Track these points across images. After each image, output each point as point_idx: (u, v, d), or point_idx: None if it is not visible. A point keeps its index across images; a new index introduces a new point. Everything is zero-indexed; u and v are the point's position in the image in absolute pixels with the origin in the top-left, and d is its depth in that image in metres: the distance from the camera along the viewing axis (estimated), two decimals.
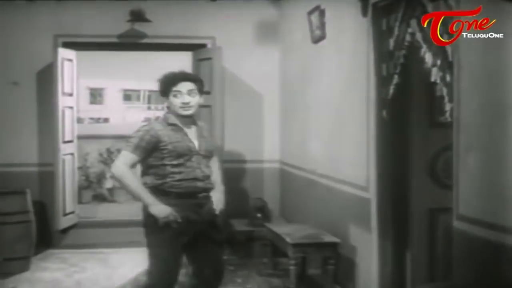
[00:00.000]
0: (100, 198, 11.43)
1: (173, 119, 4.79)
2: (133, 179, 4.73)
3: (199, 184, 4.75)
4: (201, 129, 4.92)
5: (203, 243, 4.85)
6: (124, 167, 4.70)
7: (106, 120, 26.29)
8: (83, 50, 9.28)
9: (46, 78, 8.75)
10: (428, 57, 4.57)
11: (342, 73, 6.74)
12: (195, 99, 4.78)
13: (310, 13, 7.44)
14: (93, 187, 11.57)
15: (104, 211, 10.49)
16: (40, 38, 8.87)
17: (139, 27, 8.90)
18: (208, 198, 4.84)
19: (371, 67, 5.74)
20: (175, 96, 4.76)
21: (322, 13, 7.14)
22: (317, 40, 7.35)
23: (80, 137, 9.45)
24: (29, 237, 7.79)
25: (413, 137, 5.62)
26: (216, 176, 5.00)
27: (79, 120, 9.38)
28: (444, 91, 4.39)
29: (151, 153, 4.73)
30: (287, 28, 8.79)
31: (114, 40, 9.03)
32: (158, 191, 4.72)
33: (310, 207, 7.78)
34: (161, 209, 4.64)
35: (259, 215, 8.33)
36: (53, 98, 8.59)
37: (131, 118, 26.39)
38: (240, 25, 9.13)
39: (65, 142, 8.80)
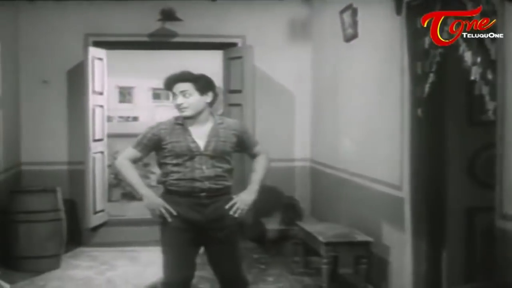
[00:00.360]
0: (129, 196, 11.44)
1: (180, 119, 4.82)
2: (130, 171, 4.84)
3: (197, 184, 4.70)
4: (216, 128, 4.82)
5: (212, 244, 4.84)
6: (124, 160, 4.85)
7: (135, 118, 26.27)
8: (113, 49, 9.31)
9: (76, 77, 8.80)
10: (468, 56, 4.50)
11: (374, 72, 6.70)
12: (190, 100, 4.71)
13: (342, 12, 7.41)
14: (122, 185, 11.59)
15: (133, 209, 10.50)
16: (71, 37, 8.90)
17: (170, 26, 8.91)
18: (216, 198, 4.75)
19: (405, 65, 5.70)
20: (173, 97, 4.81)
21: (354, 12, 7.12)
22: (349, 38, 7.33)
23: (109, 136, 9.47)
24: (60, 235, 7.82)
25: (449, 135, 5.55)
26: (254, 175, 4.97)
27: (109, 119, 9.41)
28: (485, 89, 4.34)
29: (152, 150, 4.85)
30: (319, 26, 8.77)
31: (145, 39, 9.05)
32: (164, 189, 4.84)
33: (341, 206, 7.76)
34: (150, 202, 4.75)
35: (290, 213, 8.31)
36: (84, 97, 8.61)
37: (160, 117, 25.91)
38: (271, 23, 9.13)
39: (95, 140, 8.82)
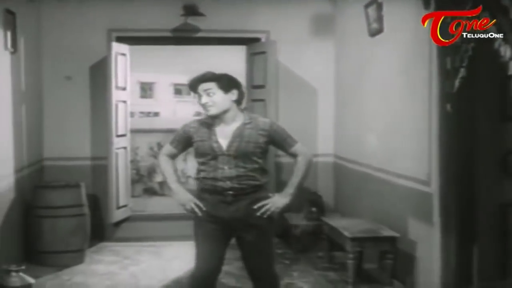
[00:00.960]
0: (150, 191, 11.48)
1: (207, 118, 4.89)
2: (166, 167, 5.06)
3: (220, 183, 4.74)
4: (242, 128, 4.81)
5: (241, 240, 4.88)
6: (162, 156, 5.10)
7: (156, 114, 26.33)
8: (136, 45, 9.31)
9: (99, 72, 8.82)
10: (504, 50, 4.46)
11: (400, 66, 6.68)
12: (214, 98, 4.75)
13: (367, 6, 7.39)
14: (143, 181, 11.64)
15: (155, 205, 10.53)
16: (93, 33, 8.93)
17: (193, 21, 8.91)
18: (240, 196, 4.75)
19: (433, 60, 5.67)
20: (198, 98, 4.85)
21: (379, 6, 7.09)
22: (374, 33, 7.30)
23: (130, 131, 9.47)
24: (84, 230, 7.84)
25: (481, 131, 5.51)
26: (292, 177, 4.91)
27: (130, 114, 9.41)
28: None
29: (186, 147, 5.03)
30: (342, 21, 8.75)
31: (167, 34, 9.04)
32: (197, 184, 4.96)
33: (365, 201, 7.75)
34: (180, 197, 4.93)
35: (314, 209, 8.29)
36: (107, 92, 8.63)
37: (181, 112, 26.39)
38: (294, 18, 9.11)
39: (118, 136, 8.84)
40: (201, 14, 8.77)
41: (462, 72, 5.11)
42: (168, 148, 5.08)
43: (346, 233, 6.56)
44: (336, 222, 7.21)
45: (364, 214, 7.52)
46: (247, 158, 4.77)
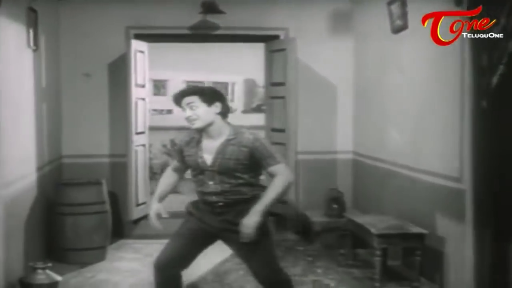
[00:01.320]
0: None
1: (195, 132, 4.90)
2: (162, 179, 5.20)
3: (206, 197, 4.78)
4: (225, 144, 4.76)
5: (234, 249, 4.99)
6: (168, 169, 5.26)
7: (169, 111, 26.21)
8: (155, 42, 9.33)
9: (118, 70, 8.83)
10: None
11: (427, 63, 6.69)
12: (197, 112, 4.75)
13: (390, 3, 7.40)
14: (156, 178, 11.60)
15: (174, 202, 10.50)
16: (112, 30, 8.93)
17: (211, 18, 8.90)
18: (227, 208, 4.75)
19: (466, 56, 5.66)
20: (183, 111, 4.87)
21: (403, 3, 7.10)
22: (398, 30, 7.31)
23: None
24: (105, 227, 7.84)
25: None
26: (265, 196, 4.70)
27: None
28: None
29: (184, 160, 5.01)
30: (362, 18, 8.76)
31: (186, 31, 9.04)
32: None
33: (388, 198, 7.76)
34: (150, 207, 5.19)
35: (335, 205, 8.30)
36: (127, 90, 8.62)
37: None
38: (313, 16, 9.10)
39: (137, 133, 8.84)
40: (220, 12, 8.73)
41: (501, 68, 5.10)
42: (173, 162, 5.19)
43: (373, 230, 6.55)
44: (361, 218, 7.21)
45: (386, 211, 7.52)
46: (230, 175, 4.75)
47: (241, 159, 4.70)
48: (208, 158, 4.77)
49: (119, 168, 8.84)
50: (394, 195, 7.54)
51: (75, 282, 6.94)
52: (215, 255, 7.29)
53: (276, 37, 9.12)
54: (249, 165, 4.73)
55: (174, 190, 5.31)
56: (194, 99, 4.76)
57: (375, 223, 6.77)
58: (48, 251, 7.63)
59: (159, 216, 5.05)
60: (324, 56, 9.14)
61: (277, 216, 8.10)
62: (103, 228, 7.79)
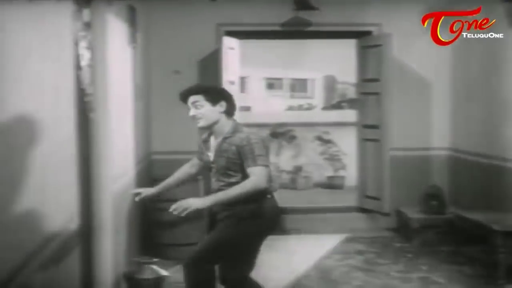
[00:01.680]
0: None
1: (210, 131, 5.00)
2: (178, 170, 5.47)
3: (212, 193, 4.82)
4: (222, 142, 4.81)
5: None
6: (186, 163, 5.44)
7: (247, 108, 26.36)
8: (246, 39, 9.31)
9: (208, 67, 8.87)
10: None
11: None
12: (201, 111, 4.81)
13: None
14: None
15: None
16: (202, 28, 8.97)
17: (303, 14, 8.87)
18: (223, 207, 4.79)
19: None
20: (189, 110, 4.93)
21: None
22: None
23: None
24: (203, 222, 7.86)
25: None
26: (229, 190, 4.65)
27: None
28: None
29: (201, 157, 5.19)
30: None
31: (276, 28, 9.04)
32: None
33: (496, 194, 7.62)
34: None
35: (434, 202, 8.21)
36: None
37: (273, 107, 26.58)
38: (406, 11, 9.02)
39: None
40: (313, 8, 8.70)
41: None
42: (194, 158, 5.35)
43: (496, 227, 6.45)
44: (478, 216, 7.05)
45: (494, 208, 7.42)
46: (224, 173, 4.81)
47: (231, 157, 4.75)
48: (211, 156, 4.91)
49: None
50: (505, 191, 7.42)
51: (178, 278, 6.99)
52: (314, 252, 7.29)
53: (368, 33, 9.07)
54: (240, 164, 4.72)
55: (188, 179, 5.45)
56: (199, 98, 4.83)
57: (496, 220, 6.66)
58: (146, 246, 7.68)
59: (140, 194, 5.46)
60: (419, 52, 9.08)
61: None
62: (199, 224, 7.80)
